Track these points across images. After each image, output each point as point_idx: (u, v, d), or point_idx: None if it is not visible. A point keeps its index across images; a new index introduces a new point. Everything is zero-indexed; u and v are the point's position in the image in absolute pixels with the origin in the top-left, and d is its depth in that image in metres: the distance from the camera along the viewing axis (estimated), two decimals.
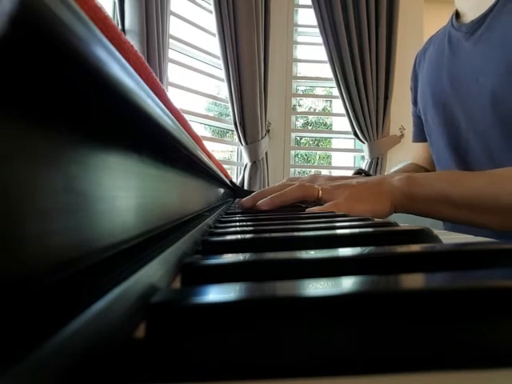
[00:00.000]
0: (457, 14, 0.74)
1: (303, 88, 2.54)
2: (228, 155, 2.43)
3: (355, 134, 2.21)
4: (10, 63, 0.07)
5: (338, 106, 2.36)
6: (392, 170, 0.95)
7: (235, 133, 2.12)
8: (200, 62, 2.13)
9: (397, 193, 0.52)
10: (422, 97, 0.81)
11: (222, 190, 0.93)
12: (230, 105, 2.07)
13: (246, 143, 2.09)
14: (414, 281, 0.14)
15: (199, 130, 2.16)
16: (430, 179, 0.54)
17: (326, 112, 2.82)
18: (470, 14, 0.69)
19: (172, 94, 1.87)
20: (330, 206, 0.51)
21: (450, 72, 0.71)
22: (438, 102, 0.74)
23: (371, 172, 2.16)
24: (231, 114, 2.07)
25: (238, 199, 1.24)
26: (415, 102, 0.87)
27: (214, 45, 2.07)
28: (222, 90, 2.25)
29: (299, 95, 2.49)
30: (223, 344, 0.11)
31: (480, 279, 0.13)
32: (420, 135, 0.89)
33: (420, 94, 0.82)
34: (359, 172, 0.88)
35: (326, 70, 2.24)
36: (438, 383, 0.10)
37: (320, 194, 0.53)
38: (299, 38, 2.38)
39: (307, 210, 0.53)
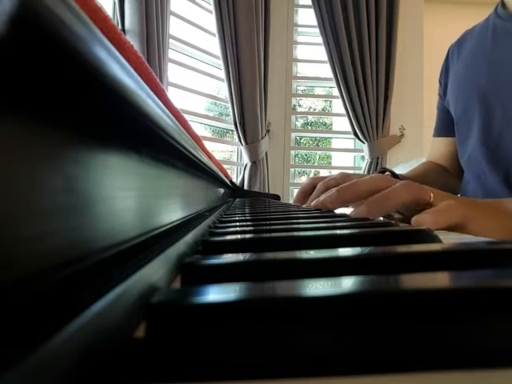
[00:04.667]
0: (502, 5, 0.71)
1: (303, 88, 2.54)
2: (228, 155, 2.43)
3: (355, 134, 2.22)
4: (10, 63, 0.07)
5: (337, 106, 2.36)
6: (405, 171, 0.91)
7: (235, 133, 2.12)
8: (200, 62, 2.13)
9: None
10: (454, 89, 0.78)
11: (221, 190, 0.93)
12: (230, 105, 2.07)
13: (246, 143, 2.09)
14: (414, 281, 0.14)
15: (199, 130, 2.16)
16: None
17: (326, 112, 2.82)
18: None
19: (172, 94, 1.87)
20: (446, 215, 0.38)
21: (491, 61, 0.69)
22: (473, 91, 0.72)
23: (371, 172, 2.16)
24: (231, 114, 2.08)
25: (238, 199, 1.24)
26: (443, 96, 0.84)
27: (214, 45, 2.07)
28: (222, 90, 2.25)
29: (299, 95, 2.49)
30: (223, 344, 0.11)
31: (480, 279, 0.13)
32: (443, 129, 0.85)
33: (452, 85, 0.79)
34: (383, 171, 0.83)
35: (326, 70, 2.24)
36: (438, 383, 0.10)
37: (432, 199, 0.42)
38: (299, 38, 2.38)
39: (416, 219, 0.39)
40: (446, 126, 0.83)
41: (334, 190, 0.48)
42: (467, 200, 0.48)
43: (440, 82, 0.86)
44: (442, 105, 0.85)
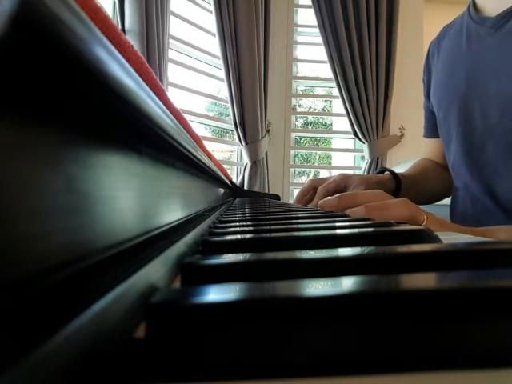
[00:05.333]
0: (474, 6, 0.69)
1: (303, 88, 2.54)
2: (228, 155, 2.43)
3: (355, 134, 2.22)
4: (10, 63, 0.07)
5: (338, 106, 2.36)
6: (403, 169, 0.90)
7: (235, 133, 2.12)
8: (200, 62, 2.13)
9: None
10: (435, 93, 0.77)
11: (221, 190, 0.93)
12: (230, 105, 2.07)
13: (246, 143, 2.09)
14: (414, 281, 0.14)
15: (199, 130, 2.16)
16: None
17: (326, 112, 2.82)
18: (492, 7, 0.64)
19: (172, 94, 1.87)
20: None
21: (468, 68, 0.67)
22: (452, 99, 0.70)
23: (371, 172, 2.16)
24: (231, 114, 2.07)
25: (238, 199, 1.24)
26: (428, 96, 0.83)
27: (214, 45, 2.07)
28: (222, 90, 2.25)
29: (299, 95, 2.49)
30: (223, 344, 0.11)
31: (480, 279, 0.13)
32: (432, 131, 0.84)
33: (434, 89, 0.78)
34: (382, 171, 0.84)
35: (326, 70, 2.24)
36: (438, 383, 0.10)
37: (424, 222, 0.44)
38: (299, 38, 2.38)
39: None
40: (433, 127, 0.82)
41: (335, 196, 0.51)
42: (456, 227, 0.49)
43: (423, 81, 0.85)
44: (428, 106, 0.84)
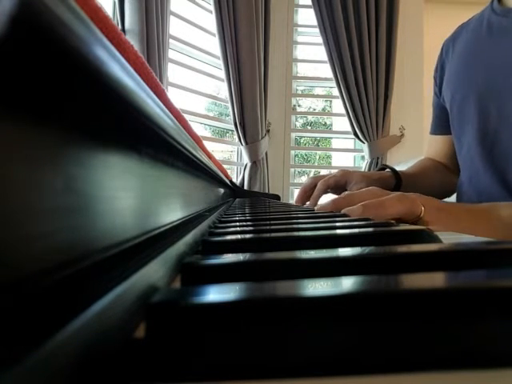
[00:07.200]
0: (498, 0, 0.69)
1: (303, 88, 2.54)
2: (228, 155, 2.43)
3: (355, 134, 2.21)
4: (9, 63, 0.07)
5: (338, 106, 2.36)
6: (404, 167, 0.90)
7: (235, 133, 2.12)
8: (200, 62, 2.13)
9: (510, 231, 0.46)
10: (449, 86, 0.77)
11: (221, 190, 0.93)
12: (229, 105, 2.07)
13: (246, 143, 2.09)
14: (414, 281, 0.14)
15: (199, 130, 2.16)
16: None
17: (326, 112, 2.82)
18: None
19: (172, 94, 1.86)
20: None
21: (487, 60, 0.67)
22: (468, 90, 0.70)
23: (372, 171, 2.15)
24: (231, 114, 2.07)
25: (238, 199, 1.24)
26: (439, 93, 0.83)
27: (214, 45, 2.07)
28: (222, 90, 2.25)
29: (299, 95, 2.49)
30: (223, 344, 0.11)
31: (480, 279, 0.13)
32: (440, 128, 0.84)
33: (447, 82, 0.78)
34: (383, 168, 0.84)
35: (326, 70, 2.24)
36: (438, 383, 0.10)
37: (422, 214, 0.44)
38: (299, 38, 2.38)
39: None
40: (442, 123, 0.82)
41: (330, 200, 0.52)
42: (456, 207, 0.48)
43: (435, 78, 0.85)
44: (438, 102, 0.84)
